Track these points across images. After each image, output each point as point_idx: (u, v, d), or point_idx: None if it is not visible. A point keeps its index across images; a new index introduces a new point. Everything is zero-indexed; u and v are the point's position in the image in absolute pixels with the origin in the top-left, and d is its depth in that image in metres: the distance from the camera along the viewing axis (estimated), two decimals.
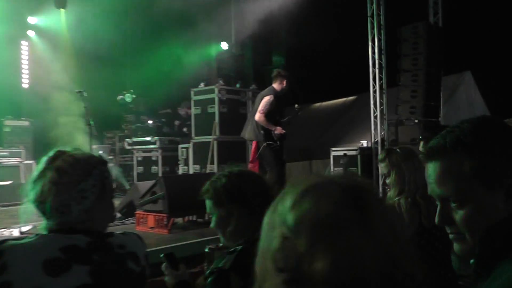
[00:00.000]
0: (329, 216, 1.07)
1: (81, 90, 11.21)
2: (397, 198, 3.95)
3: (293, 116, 9.84)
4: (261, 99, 9.40)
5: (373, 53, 11.84)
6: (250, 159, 9.81)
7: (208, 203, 2.72)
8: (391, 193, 3.99)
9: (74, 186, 2.13)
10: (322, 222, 1.07)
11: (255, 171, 2.90)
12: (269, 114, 9.31)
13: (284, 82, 9.43)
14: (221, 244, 2.80)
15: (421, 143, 4.84)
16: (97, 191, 2.17)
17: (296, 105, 9.93)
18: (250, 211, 2.58)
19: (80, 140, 13.13)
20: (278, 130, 9.34)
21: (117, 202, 10.02)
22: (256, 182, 2.69)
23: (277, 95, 9.39)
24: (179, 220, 8.74)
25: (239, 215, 2.62)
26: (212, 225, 2.74)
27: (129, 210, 9.25)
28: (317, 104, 17.46)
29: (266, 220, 1.17)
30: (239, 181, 2.67)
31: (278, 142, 9.39)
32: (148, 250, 2.35)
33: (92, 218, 2.16)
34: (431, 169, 1.58)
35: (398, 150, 4.19)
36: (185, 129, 14.58)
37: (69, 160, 2.17)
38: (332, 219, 1.07)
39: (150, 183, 8.67)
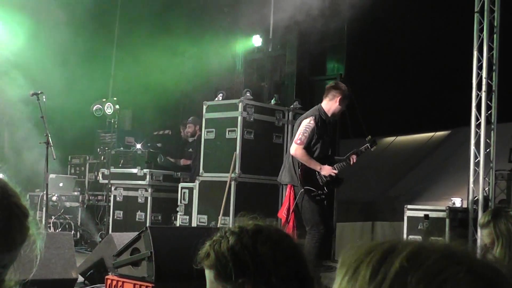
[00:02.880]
0: None
1: (38, 92, 11.36)
2: None
3: (359, 152, 9.65)
4: (299, 124, 9.43)
5: (479, 68, 11.78)
6: (280, 209, 9.77)
7: (208, 274, 2.67)
8: None
9: None
10: None
11: (282, 230, 2.80)
12: (312, 145, 9.32)
13: (339, 100, 9.34)
14: None
15: None
16: None
17: (369, 137, 9.80)
18: None
19: (29, 165, 13.25)
20: (326, 170, 9.28)
21: (80, 259, 10.05)
22: (281, 245, 2.61)
23: (323, 118, 9.39)
24: None
25: None
26: None
27: (98, 273, 9.23)
28: (389, 139, 17.42)
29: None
30: (255, 243, 2.60)
31: (325, 189, 9.38)
32: None
33: None
34: None
35: (511, 213, 4.16)
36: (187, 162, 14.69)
37: None
38: None
39: (131, 235, 8.66)
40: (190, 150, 14.76)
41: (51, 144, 11.27)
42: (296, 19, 14.01)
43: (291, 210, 9.32)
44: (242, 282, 2.55)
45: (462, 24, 12.39)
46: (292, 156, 9.35)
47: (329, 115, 9.43)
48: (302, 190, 9.22)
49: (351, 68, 14.72)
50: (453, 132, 16.38)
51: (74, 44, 14.94)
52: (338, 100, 9.36)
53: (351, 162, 9.53)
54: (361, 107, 13.34)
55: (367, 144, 9.68)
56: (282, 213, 9.49)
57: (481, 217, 4.22)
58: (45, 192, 12.00)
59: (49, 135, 11.27)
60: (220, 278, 2.61)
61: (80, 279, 9.49)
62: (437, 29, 14.38)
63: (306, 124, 9.27)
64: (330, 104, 9.41)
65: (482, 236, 4.13)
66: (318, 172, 9.29)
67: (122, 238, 9.19)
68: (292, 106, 13.25)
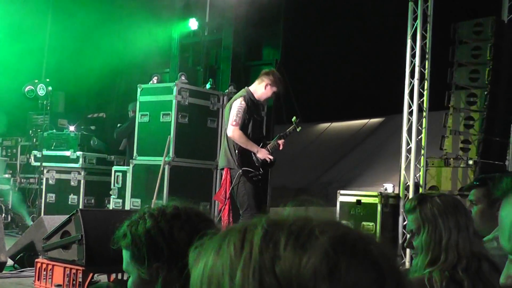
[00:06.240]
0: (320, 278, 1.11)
1: None
2: (428, 269, 3.92)
3: (284, 136, 9.70)
4: (230, 108, 9.40)
5: (413, 56, 11.89)
6: (217, 192, 9.76)
7: (124, 254, 2.67)
8: (418, 260, 3.95)
9: None
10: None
11: (204, 214, 2.78)
12: (246, 127, 9.32)
13: (265, 86, 9.39)
14: None
15: (473, 191, 4.85)
16: None
17: (294, 117, 9.86)
18: (185, 277, 2.45)
19: None
20: (263, 153, 9.30)
21: (11, 242, 9.91)
22: (199, 231, 2.53)
23: (252, 99, 9.39)
24: (102, 277, 8.60)
25: (166, 281, 2.52)
26: None
27: (28, 256, 9.12)
28: (323, 126, 17.51)
29: (197, 273, 1.20)
30: (171, 228, 2.57)
31: (260, 169, 9.41)
32: None
33: None
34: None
35: (436, 198, 4.19)
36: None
37: None
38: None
39: (62, 218, 8.54)
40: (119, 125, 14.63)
41: None
42: (233, 3, 13.99)
43: (227, 194, 9.34)
44: (156, 267, 2.52)
45: (396, 12, 12.50)
46: (227, 140, 9.36)
47: (256, 97, 9.46)
48: (240, 171, 9.20)
49: (287, 53, 14.75)
50: (387, 119, 16.55)
51: (8, 25, 14.75)
52: (265, 86, 9.40)
53: (280, 147, 9.58)
54: (296, 93, 13.37)
55: (294, 125, 9.75)
56: (220, 196, 9.49)
57: (406, 203, 4.25)
58: None
59: None
60: (135, 260, 2.58)
61: (10, 262, 9.36)
62: (372, 17, 14.47)
63: (238, 105, 9.26)
64: (257, 88, 9.46)
65: (408, 222, 4.17)
66: (254, 153, 9.32)
67: (53, 221, 9.07)
68: (227, 90, 13.22)
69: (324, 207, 1.33)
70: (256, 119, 9.46)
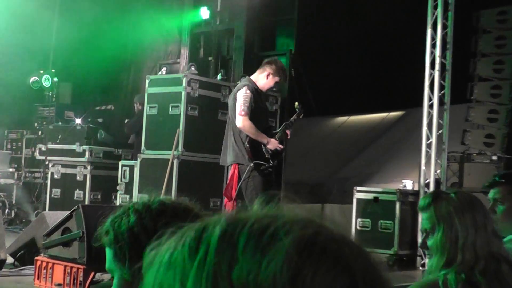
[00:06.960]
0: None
1: None
2: (443, 271, 3.84)
3: (290, 124, 9.64)
4: (234, 98, 9.30)
5: (433, 46, 11.79)
6: (224, 190, 9.69)
7: (107, 252, 2.56)
8: (433, 262, 3.86)
9: None
10: None
11: (194, 208, 2.53)
12: (254, 118, 9.18)
13: (266, 75, 9.31)
14: None
15: (498, 189, 4.74)
16: None
17: (296, 104, 9.82)
18: None
19: None
20: (273, 144, 9.19)
21: (11, 238, 9.87)
22: None
23: (255, 87, 9.27)
24: (105, 276, 8.56)
25: None
26: None
27: (29, 253, 9.07)
28: (341, 119, 17.43)
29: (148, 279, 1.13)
30: (156, 225, 2.45)
31: (270, 161, 9.30)
32: None
33: None
34: None
35: (452, 195, 4.09)
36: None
37: None
38: None
39: (64, 214, 8.52)
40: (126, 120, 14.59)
41: None
42: None
43: (235, 189, 9.24)
44: (139, 268, 2.40)
45: (416, 2, 12.39)
46: (234, 134, 9.25)
47: (259, 87, 9.37)
48: (251, 165, 9.09)
49: (302, 44, 14.67)
50: (407, 112, 16.48)
51: (15, 16, 14.76)
52: (266, 76, 9.31)
53: (288, 136, 9.58)
54: (311, 85, 13.27)
55: (297, 112, 9.74)
56: (227, 192, 9.43)
57: (420, 200, 4.15)
58: None
59: None
60: (117, 259, 2.47)
61: (10, 260, 9.31)
62: (391, 5, 14.36)
63: (243, 94, 9.12)
64: (259, 77, 9.37)
65: (422, 220, 4.07)
66: (264, 145, 9.21)
67: (56, 217, 9.01)
68: (239, 82, 13.14)
69: (301, 203, 1.20)
70: (261, 107, 9.40)
